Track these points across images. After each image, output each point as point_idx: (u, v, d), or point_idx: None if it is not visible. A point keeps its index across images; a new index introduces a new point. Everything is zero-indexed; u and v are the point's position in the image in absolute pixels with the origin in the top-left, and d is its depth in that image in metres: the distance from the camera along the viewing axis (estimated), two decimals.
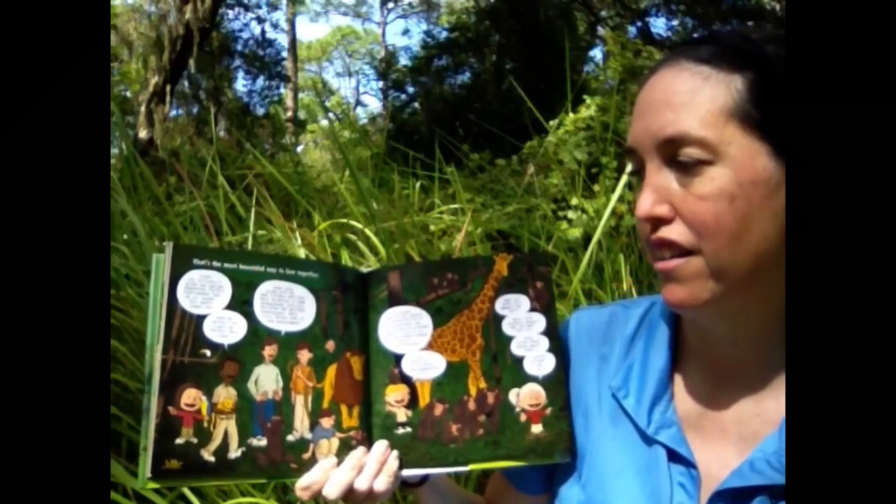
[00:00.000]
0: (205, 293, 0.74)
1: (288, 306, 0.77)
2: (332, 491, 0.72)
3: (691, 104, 0.65)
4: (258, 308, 0.76)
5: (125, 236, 2.04)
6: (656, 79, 0.69)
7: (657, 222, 0.67)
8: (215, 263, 0.75)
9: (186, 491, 1.37)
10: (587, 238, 2.26)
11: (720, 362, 0.73)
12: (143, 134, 9.48)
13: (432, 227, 2.77)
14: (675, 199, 0.66)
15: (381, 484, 0.73)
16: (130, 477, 1.29)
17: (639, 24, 12.36)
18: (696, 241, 0.65)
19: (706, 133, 0.63)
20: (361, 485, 0.72)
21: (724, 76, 0.65)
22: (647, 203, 0.67)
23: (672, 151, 0.65)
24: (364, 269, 0.84)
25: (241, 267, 0.77)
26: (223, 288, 0.75)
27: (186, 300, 0.73)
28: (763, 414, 0.70)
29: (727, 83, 0.64)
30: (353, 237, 2.36)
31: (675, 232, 0.66)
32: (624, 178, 2.11)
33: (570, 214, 3.04)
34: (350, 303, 0.81)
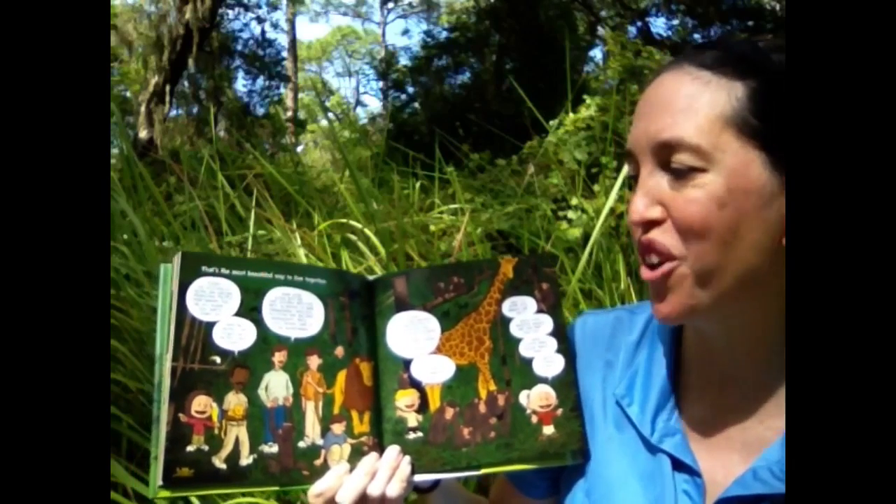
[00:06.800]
0: (214, 300, 0.74)
1: (297, 312, 0.77)
2: (345, 497, 0.71)
3: (690, 110, 0.64)
4: (267, 315, 0.76)
5: (125, 236, 2.03)
6: (658, 81, 0.69)
7: (649, 225, 0.67)
8: (224, 271, 0.75)
9: None
10: (587, 238, 2.26)
11: (721, 369, 0.73)
12: (143, 134, 9.48)
13: (432, 227, 2.77)
14: (666, 200, 0.66)
15: (394, 489, 0.73)
16: (130, 477, 1.29)
17: (639, 24, 12.37)
18: (682, 247, 0.65)
19: (701, 140, 0.63)
20: (374, 490, 0.72)
21: (725, 82, 0.64)
22: (640, 205, 0.67)
23: (666, 156, 0.65)
24: (370, 277, 0.84)
25: (250, 274, 0.76)
26: (232, 295, 0.75)
27: (196, 307, 0.73)
28: (766, 420, 0.70)
29: (728, 90, 0.64)
30: (353, 237, 2.35)
31: (665, 236, 0.66)
32: (622, 176, 2.11)
33: (570, 214, 3.03)
34: (357, 309, 0.81)
